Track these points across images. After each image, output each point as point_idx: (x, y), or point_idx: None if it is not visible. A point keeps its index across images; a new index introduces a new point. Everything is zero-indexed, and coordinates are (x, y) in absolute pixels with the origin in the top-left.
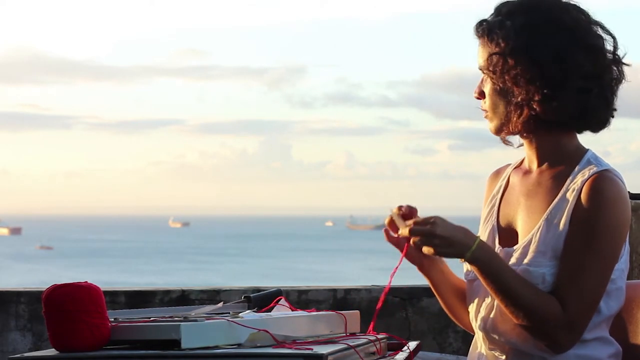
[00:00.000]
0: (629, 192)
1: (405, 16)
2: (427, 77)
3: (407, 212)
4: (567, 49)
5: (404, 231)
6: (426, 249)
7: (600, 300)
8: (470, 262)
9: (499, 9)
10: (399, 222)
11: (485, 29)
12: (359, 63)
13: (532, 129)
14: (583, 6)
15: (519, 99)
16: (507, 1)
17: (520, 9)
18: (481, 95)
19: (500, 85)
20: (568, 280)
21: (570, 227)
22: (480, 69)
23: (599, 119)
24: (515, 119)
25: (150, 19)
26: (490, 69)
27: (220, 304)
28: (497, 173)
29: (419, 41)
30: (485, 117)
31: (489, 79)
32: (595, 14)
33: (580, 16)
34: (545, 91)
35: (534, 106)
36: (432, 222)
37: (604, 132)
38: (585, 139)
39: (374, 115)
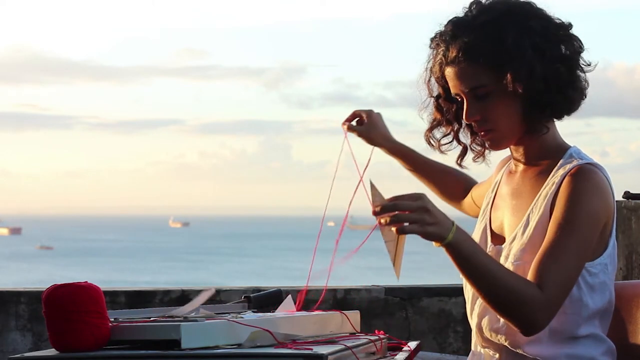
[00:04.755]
0: (628, 191)
1: (404, 16)
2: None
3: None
4: (564, 35)
5: (387, 206)
6: (415, 227)
7: (574, 283)
8: (449, 246)
9: (467, 26)
10: (376, 197)
11: (482, 50)
12: (357, 63)
13: (541, 129)
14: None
15: (544, 102)
16: (460, 18)
17: (498, 19)
18: (480, 116)
19: (525, 94)
20: (546, 261)
21: (550, 216)
22: (480, 88)
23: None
24: (531, 124)
25: (149, 19)
26: (516, 81)
27: (213, 290)
28: (503, 163)
29: (417, 41)
30: (491, 137)
31: (496, 96)
32: (596, 14)
33: (540, 9)
34: (568, 83)
35: (560, 103)
36: (422, 196)
37: (603, 133)
38: (586, 138)
39: None
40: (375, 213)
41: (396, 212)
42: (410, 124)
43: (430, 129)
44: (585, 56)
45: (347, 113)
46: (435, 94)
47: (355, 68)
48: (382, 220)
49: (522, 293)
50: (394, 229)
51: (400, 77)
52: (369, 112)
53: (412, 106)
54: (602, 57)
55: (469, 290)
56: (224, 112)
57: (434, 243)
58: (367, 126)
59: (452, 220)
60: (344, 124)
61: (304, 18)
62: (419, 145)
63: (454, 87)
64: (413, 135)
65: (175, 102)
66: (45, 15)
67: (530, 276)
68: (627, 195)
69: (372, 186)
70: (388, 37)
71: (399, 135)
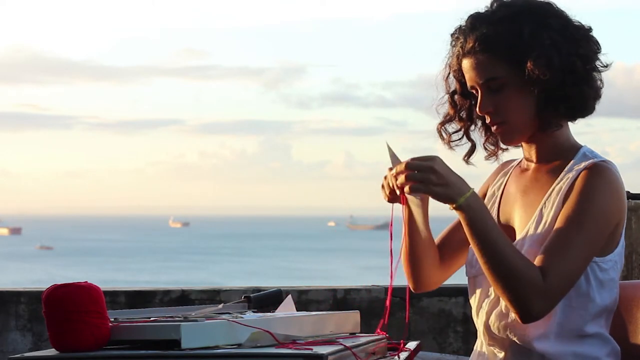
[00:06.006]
0: (629, 192)
1: (404, 16)
2: (423, 77)
3: None
4: (582, 36)
5: (399, 167)
6: (420, 186)
7: (577, 278)
8: (461, 209)
9: (486, 19)
10: (393, 158)
11: (498, 41)
12: (356, 63)
13: (555, 125)
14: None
15: (559, 96)
16: (480, 12)
17: (517, 14)
18: (494, 108)
19: (542, 87)
20: (552, 251)
21: (562, 209)
22: (495, 79)
23: (598, 101)
24: (544, 120)
25: (149, 19)
26: (535, 73)
27: (221, 305)
28: (504, 165)
29: (416, 41)
30: (503, 130)
31: (511, 89)
32: (595, 14)
33: (560, 10)
34: (584, 80)
35: (574, 99)
36: (432, 158)
37: (603, 133)
38: (586, 139)
39: (372, 115)
40: (394, 176)
41: (407, 172)
42: (409, 124)
43: (443, 123)
44: (602, 59)
45: (347, 113)
46: (452, 89)
47: (355, 68)
48: (397, 182)
49: (523, 273)
50: (406, 188)
51: (400, 77)
52: None
53: (411, 106)
54: (609, 59)
55: (476, 289)
56: (224, 112)
57: (448, 206)
58: None
59: (471, 187)
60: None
61: (304, 18)
62: (418, 144)
63: (469, 79)
64: (412, 136)
65: (175, 102)
66: (45, 15)
67: (535, 263)
68: (627, 195)
69: (389, 148)
70: (388, 37)
71: (399, 134)
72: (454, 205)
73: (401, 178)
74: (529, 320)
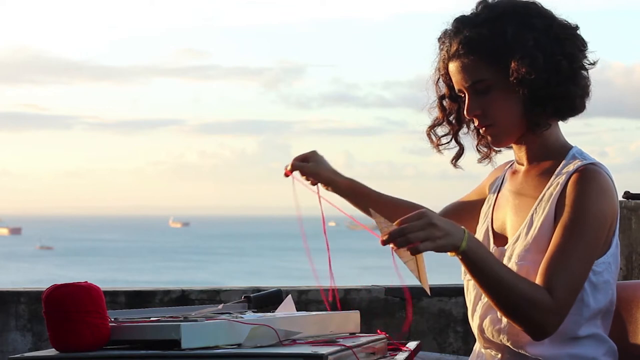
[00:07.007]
0: (628, 191)
1: (403, 17)
2: (422, 77)
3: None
4: (567, 35)
5: (395, 231)
6: (427, 244)
7: (582, 285)
8: (463, 254)
9: (470, 22)
10: (382, 224)
11: (482, 43)
12: (356, 63)
13: (544, 125)
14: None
15: (544, 96)
16: (464, 15)
17: (501, 15)
18: (481, 111)
19: (526, 87)
20: (553, 265)
21: (556, 217)
22: (480, 82)
23: (587, 99)
24: (532, 121)
25: (148, 18)
26: (520, 74)
27: (221, 306)
28: (501, 167)
29: (415, 41)
30: (492, 132)
31: (497, 91)
32: (595, 14)
33: (545, 10)
34: (569, 78)
35: (561, 99)
36: (425, 214)
37: (603, 133)
38: (586, 139)
39: (371, 115)
40: (384, 242)
41: (407, 235)
42: (409, 124)
43: (432, 126)
44: (589, 56)
45: (347, 113)
46: (441, 93)
47: (354, 68)
48: (396, 246)
49: (532, 297)
50: (408, 250)
51: (399, 77)
52: (312, 152)
53: (410, 106)
54: (600, 57)
55: (470, 293)
56: (224, 112)
57: (448, 254)
58: (314, 163)
59: (463, 227)
60: (288, 171)
61: (303, 18)
62: (418, 144)
63: (456, 82)
64: (412, 136)
65: (175, 102)
66: (45, 15)
67: (538, 280)
68: (627, 195)
69: (374, 214)
70: (387, 38)
71: (399, 134)
72: (455, 252)
73: (401, 241)
74: (544, 338)
